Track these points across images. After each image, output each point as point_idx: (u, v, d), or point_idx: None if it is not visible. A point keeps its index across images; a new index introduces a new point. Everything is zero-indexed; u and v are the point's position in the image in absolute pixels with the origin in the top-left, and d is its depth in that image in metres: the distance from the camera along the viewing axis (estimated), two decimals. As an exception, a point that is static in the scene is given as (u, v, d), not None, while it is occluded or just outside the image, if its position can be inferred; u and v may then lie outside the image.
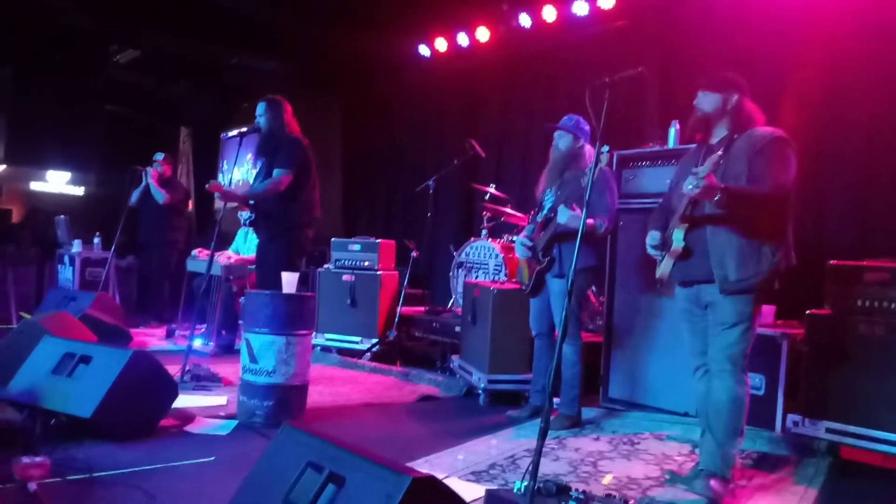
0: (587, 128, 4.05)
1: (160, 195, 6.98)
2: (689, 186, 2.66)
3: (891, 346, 3.35)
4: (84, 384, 3.32)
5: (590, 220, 3.74)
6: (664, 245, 3.03)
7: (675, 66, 5.77)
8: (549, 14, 6.53)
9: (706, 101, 3.00)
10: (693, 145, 3.27)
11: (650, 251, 3.11)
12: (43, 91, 8.29)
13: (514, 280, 5.02)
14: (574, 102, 5.57)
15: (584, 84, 3.10)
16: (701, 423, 3.09)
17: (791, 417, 3.63)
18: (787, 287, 2.97)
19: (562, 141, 4.08)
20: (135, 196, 7.08)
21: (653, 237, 3.09)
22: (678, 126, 4.38)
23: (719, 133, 3.00)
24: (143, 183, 7.04)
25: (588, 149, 4.02)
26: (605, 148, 3.38)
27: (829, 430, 3.50)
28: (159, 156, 7.20)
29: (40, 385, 3.40)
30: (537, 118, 6.90)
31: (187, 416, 3.78)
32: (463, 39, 7.47)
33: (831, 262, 3.67)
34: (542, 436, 2.43)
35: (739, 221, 2.79)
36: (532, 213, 4.36)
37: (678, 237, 2.92)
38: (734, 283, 2.80)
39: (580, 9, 6.29)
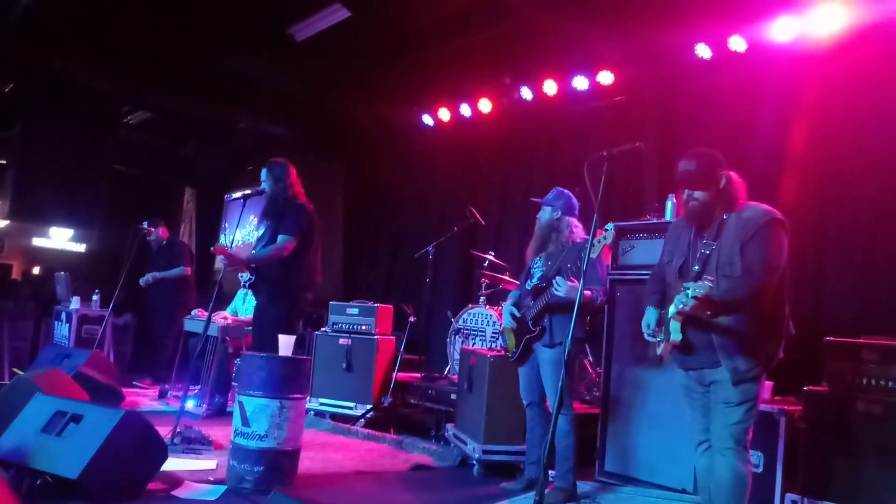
0: (571, 201, 4.14)
1: (181, 271, 7.03)
2: (679, 306, 2.67)
3: (890, 425, 3.32)
4: (73, 443, 3.27)
5: (587, 292, 3.76)
6: (660, 324, 2.99)
7: (673, 140, 5.90)
8: (550, 88, 6.70)
9: (699, 194, 2.95)
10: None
11: (647, 336, 3.07)
12: (52, 149, 8.43)
13: (499, 347, 5.01)
14: (573, 174, 5.66)
15: (583, 156, 3.16)
16: (702, 500, 3.03)
17: (790, 497, 3.57)
18: (784, 363, 2.96)
19: (542, 214, 4.18)
20: (142, 281, 7.11)
21: (650, 318, 3.04)
22: (675, 199, 4.44)
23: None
24: (138, 246, 7.02)
25: (568, 220, 4.09)
26: (610, 225, 3.43)
27: (829, 512, 3.43)
28: (146, 223, 7.20)
29: (29, 443, 3.35)
30: (537, 188, 6.99)
31: (175, 480, 3.71)
32: (466, 110, 7.65)
33: (828, 338, 3.67)
34: (536, 510, 2.39)
35: (739, 316, 2.79)
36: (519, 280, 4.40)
37: (675, 329, 2.87)
38: (745, 372, 2.79)
39: (580, 83, 6.47)
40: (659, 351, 3.04)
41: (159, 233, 7.23)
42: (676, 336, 2.87)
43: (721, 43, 5.44)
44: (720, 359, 2.81)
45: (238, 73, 7.95)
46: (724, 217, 2.91)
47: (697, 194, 2.93)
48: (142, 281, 7.10)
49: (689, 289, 2.65)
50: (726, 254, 2.82)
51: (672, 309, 2.80)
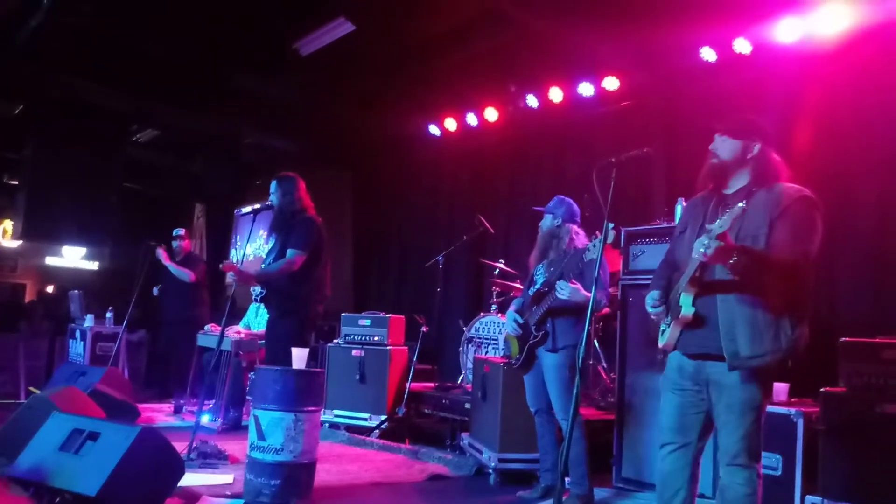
0: (571, 208, 4.18)
1: (184, 274, 7.00)
2: (700, 249, 2.37)
3: (908, 425, 3.30)
4: (91, 461, 3.29)
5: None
6: (666, 307, 2.75)
7: (679, 143, 5.89)
8: (556, 95, 6.71)
9: (724, 148, 2.70)
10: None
11: (650, 311, 2.83)
12: (63, 169, 8.50)
13: (503, 354, 5.00)
14: (581, 180, 5.71)
15: (590, 162, 3.14)
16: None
17: (810, 499, 3.54)
18: (799, 363, 2.81)
19: (544, 222, 4.22)
20: (155, 290, 7.16)
21: (652, 296, 2.80)
22: (684, 203, 4.43)
23: (737, 183, 2.71)
24: (148, 267, 7.04)
25: (569, 228, 4.11)
26: (610, 225, 3.43)
27: (849, 513, 3.40)
28: (178, 231, 7.28)
29: (47, 462, 3.38)
30: (544, 195, 6.95)
31: (192, 496, 3.73)
32: (472, 119, 7.67)
33: (844, 339, 3.64)
34: (555, 518, 2.38)
35: (755, 290, 2.50)
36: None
37: (687, 303, 2.61)
38: (745, 359, 2.50)
39: (586, 90, 6.47)
40: (662, 343, 2.80)
41: (182, 244, 7.24)
42: (688, 311, 2.60)
43: (726, 45, 5.44)
44: (722, 340, 2.53)
45: (244, 89, 8.00)
46: (753, 190, 2.64)
47: (723, 149, 2.69)
48: (155, 290, 7.16)
49: (710, 230, 2.32)
50: (752, 225, 2.49)
51: (683, 280, 2.60)
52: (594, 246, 3.52)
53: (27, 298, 12.49)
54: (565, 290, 3.77)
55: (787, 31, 5.14)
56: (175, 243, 7.19)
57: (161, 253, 7.01)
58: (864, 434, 3.40)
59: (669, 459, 2.77)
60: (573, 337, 3.95)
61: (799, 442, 3.63)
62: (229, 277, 4.89)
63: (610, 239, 3.49)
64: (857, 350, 3.58)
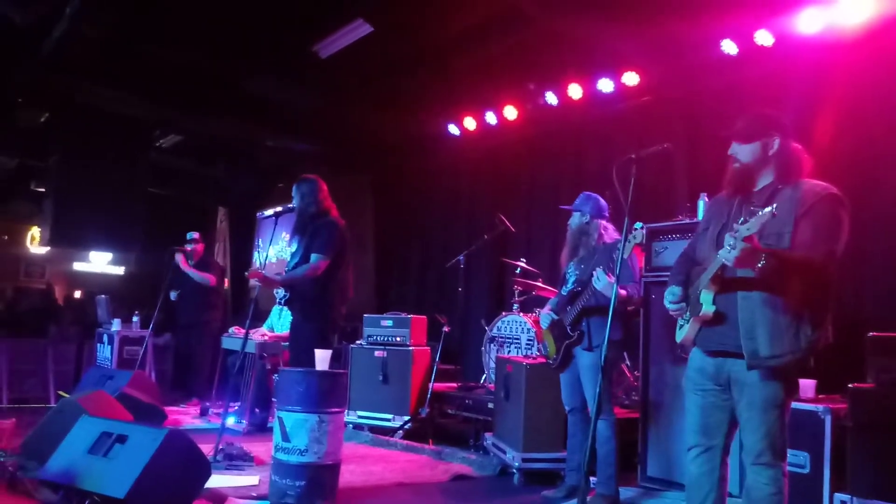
0: (599, 203, 4.16)
1: (205, 280, 7.17)
2: (727, 249, 2.35)
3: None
4: (119, 464, 3.33)
5: (623, 291, 3.73)
6: (686, 303, 2.73)
7: (701, 138, 5.82)
8: (575, 92, 6.67)
9: (743, 152, 2.68)
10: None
11: (669, 306, 2.79)
12: (88, 176, 8.63)
13: (539, 354, 4.99)
14: (602, 177, 5.68)
15: (611, 158, 3.12)
16: None
17: (839, 497, 3.48)
18: (826, 359, 2.77)
19: (572, 219, 4.22)
20: (173, 294, 7.27)
21: (673, 292, 2.76)
22: (707, 198, 4.40)
23: (761, 182, 2.69)
24: (171, 271, 7.14)
25: (598, 223, 4.11)
26: (639, 224, 3.41)
27: (880, 511, 3.35)
28: (192, 234, 7.39)
29: (77, 465, 3.43)
30: (565, 193, 6.96)
31: (219, 497, 3.76)
32: (491, 118, 7.64)
33: (872, 333, 3.58)
34: (579, 517, 2.37)
35: (777, 289, 2.47)
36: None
37: (707, 300, 2.59)
38: (764, 359, 2.48)
39: (605, 86, 6.42)
40: (679, 338, 2.79)
41: (196, 248, 7.36)
42: (709, 308, 2.58)
43: (747, 38, 5.36)
44: (741, 339, 2.50)
45: (264, 93, 8.06)
46: (779, 187, 2.61)
47: (743, 154, 2.66)
48: (173, 295, 7.27)
49: (737, 231, 2.30)
50: (776, 223, 2.41)
51: (704, 278, 2.58)
52: (628, 243, 3.48)
53: (59, 301, 12.70)
54: (601, 280, 3.73)
55: (809, 21, 5.06)
56: (189, 247, 7.30)
57: (180, 258, 7.13)
58: (894, 430, 3.34)
59: (697, 462, 2.76)
60: (610, 334, 3.91)
61: (827, 439, 3.58)
62: (254, 281, 4.95)
63: (640, 239, 3.46)
64: (885, 345, 3.52)
